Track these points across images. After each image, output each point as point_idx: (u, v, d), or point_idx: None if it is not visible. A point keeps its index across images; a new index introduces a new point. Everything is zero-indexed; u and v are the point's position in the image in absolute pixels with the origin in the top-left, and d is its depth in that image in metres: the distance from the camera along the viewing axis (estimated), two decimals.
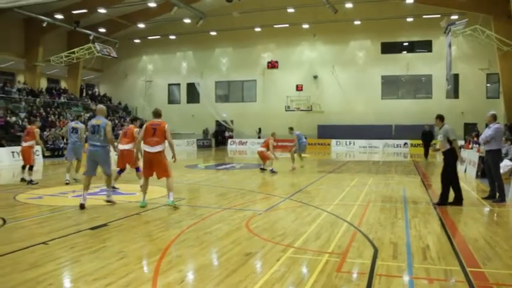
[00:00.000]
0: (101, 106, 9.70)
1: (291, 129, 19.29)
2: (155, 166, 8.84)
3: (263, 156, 16.74)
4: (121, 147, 11.34)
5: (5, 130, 24.63)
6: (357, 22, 33.42)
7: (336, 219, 7.96)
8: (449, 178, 9.21)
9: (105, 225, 7.45)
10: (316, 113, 35.78)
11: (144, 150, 8.83)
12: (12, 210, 8.66)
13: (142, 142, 8.94)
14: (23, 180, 13.53)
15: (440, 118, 9.54)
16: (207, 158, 26.98)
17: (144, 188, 9.12)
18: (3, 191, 11.95)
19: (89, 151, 9.11)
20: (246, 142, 36.69)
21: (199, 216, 8.11)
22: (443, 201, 9.22)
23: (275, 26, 35.03)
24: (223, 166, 19.83)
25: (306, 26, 34.58)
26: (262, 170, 16.80)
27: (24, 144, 13.33)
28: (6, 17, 30.47)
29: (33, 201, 10.12)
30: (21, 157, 13.91)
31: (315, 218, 8.01)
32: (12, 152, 20.54)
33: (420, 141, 25.58)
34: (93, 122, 9.15)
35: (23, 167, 13.64)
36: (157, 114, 9.30)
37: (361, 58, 35.59)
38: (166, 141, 8.86)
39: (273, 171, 16.22)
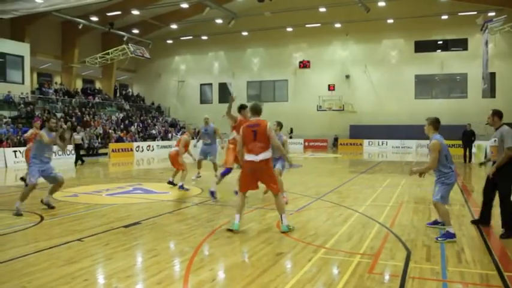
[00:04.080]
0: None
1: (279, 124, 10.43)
2: (260, 178, 7.07)
3: (174, 161, 12.19)
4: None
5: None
6: (390, 20, 32.95)
7: (368, 220, 7.87)
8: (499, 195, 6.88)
9: (137, 223, 7.57)
10: (348, 112, 35.46)
11: (246, 160, 6.95)
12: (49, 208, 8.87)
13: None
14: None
15: (497, 115, 7.02)
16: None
17: (241, 206, 7.07)
18: (41, 189, 12.27)
19: None
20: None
21: (231, 216, 8.14)
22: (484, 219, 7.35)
23: (307, 26, 34.90)
24: None
25: (338, 25, 34.34)
26: (171, 183, 12.23)
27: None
28: (45, 20, 31.38)
29: (69, 199, 10.37)
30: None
31: (347, 219, 7.94)
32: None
33: (457, 142, 24.72)
34: None
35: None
36: (255, 110, 7.08)
37: (394, 57, 35.09)
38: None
39: (183, 188, 11.28)
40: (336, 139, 35.47)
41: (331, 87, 35.72)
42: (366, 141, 34.21)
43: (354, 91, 35.76)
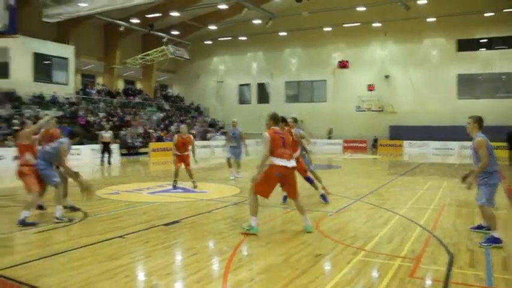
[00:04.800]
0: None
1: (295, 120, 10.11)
2: (288, 184, 7.18)
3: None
4: None
5: (85, 129, 25.97)
6: (431, 19, 32.13)
7: (408, 222, 7.71)
8: None
9: (177, 222, 7.67)
10: (387, 113, 34.88)
11: (280, 165, 6.82)
12: (92, 205, 9.12)
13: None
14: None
15: None
16: None
17: (256, 208, 6.97)
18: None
19: None
20: (316, 143, 36.40)
21: (269, 216, 8.15)
22: None
23: (345, 25, 34.49)
24: None
25: (376, 24, 33.78)
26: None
27: None
28: (88, 23, 32.32)
29: (111, 196, 10.62)
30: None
31: (387, 221, 7.81)
32: (92, 150, 21.64)
33: (502, 143, 23.84)
34: None
35: None
36: (276, 120, 7.23)
37: (435, 56, 34.25)
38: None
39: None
40: (375, 140, 34.95)
41: (370, 88, 35.22)
42: (406, 142, 33.52)
43: (393, 91, 35.13)
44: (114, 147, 23.12)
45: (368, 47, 36.38)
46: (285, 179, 6.99)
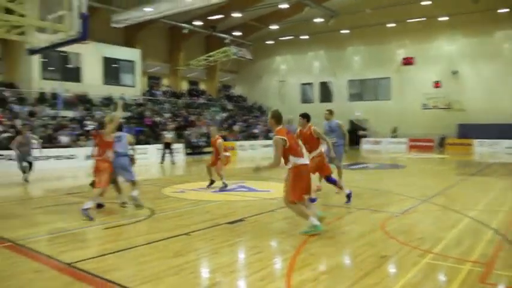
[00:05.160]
0: None
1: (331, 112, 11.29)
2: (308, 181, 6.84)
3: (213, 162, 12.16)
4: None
5: (151, 129, 26.81)
6: (502, 10, 30.47)
7: (479, 225, 7.36)
8: None
9: (241, 220, 7.75)
10: (456, 111, 33.47)
11: (304, 164, 6.69)
12: (159, 203, 9.40)
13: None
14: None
15: None
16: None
17: (305, 210, 6.73)
18: (152, 185, 13.07)
19: None
20: (381, 141, 35.65)
21: (333, 216, 8.06)
22: None
23: (409, 21, 33.45)
24: (357, 166, 19.48)
25: (443, 18, 32.47)
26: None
27: None
28: (153, 27, 33.40)
29: (177, 195, 10.91)
30: None
31: (456, 223, 7.49)
32: (158, 149, 22.30)
33: None
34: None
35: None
36: (279, 118, 6.78)
37: (508, 49, 32.45)
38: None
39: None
40: (442, 139, 33.64)
41: (437, 84, 33.95)
42: (475, 141, 32.02)
43: (462, 88, 33.64)
44: (179, 146, 23.76)
45: (434, 42, 35.04)
46: (309, 177, 6.81)
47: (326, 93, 40.15)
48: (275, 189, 11.66)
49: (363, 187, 12.06)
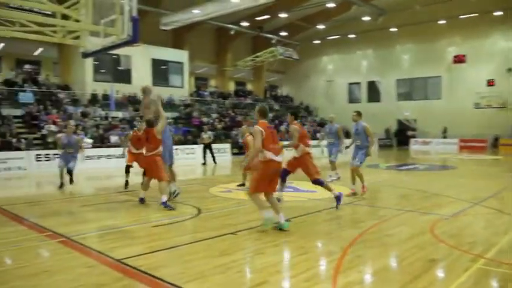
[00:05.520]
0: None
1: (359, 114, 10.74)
2: (275, 179, 7.24)
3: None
4: None
5: (199, 129, 27.17)
6: None
7: None
8: None
9: (287, 220, 7.71)
10: (510, 110, 32.15)
11: (276, 161, 6.95)
12: (206, 202, 9.52)
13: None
14: None
15: None
16: (388, 158, 26.23)
17: (262, 202, 7.11)
18: (199, 184, 13.26)
19: None
20: (430, 142, 34.70)
21: (381, 218, 7.92)
22: None
23: (461, 17, 32.40)
24: (406, 167, 19.02)
25: (498, 13, 31.20)
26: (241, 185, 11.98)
27: None
28: (201, 28, 33.92)
29: (223, 194, 11.02)
30: None
31: (510, 228, 7.19)
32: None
33: None
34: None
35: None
36: (264, 113, 7.23)
37: None
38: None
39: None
40: (496, 139, 32.38)
41: (490, 83, 32.71)
42: None
43: None
44: (225, 146, 24.00)
45: (487, 39, 33.74)
46: (277, 174, 7.12)
47: (374, 93, 39.50)
48: (322, 189, 11.56)
49: (411, 188, 11.79)
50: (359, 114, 10.50)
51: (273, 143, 6.93)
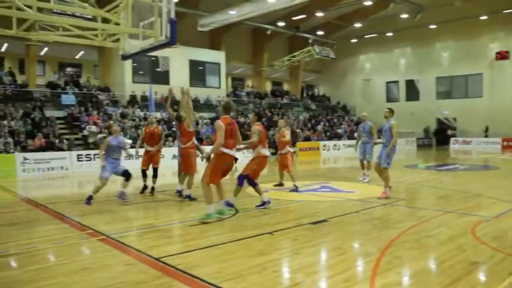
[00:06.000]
0: None
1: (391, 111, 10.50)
2: (227, 173, 8.09)
3: (283, 164, 12.07)
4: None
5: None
6: None
7: None
8: None
9: (324, 220, 7.69)
10: None
11: (230, 155, 7.76)
12: (243, 201, 9.56)
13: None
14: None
15: None
16: (427, 157, 25.71)
17: (211, 195, 7.65)
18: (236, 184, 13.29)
19: None
20: (471, 141, 33.77)
21: (420, 218, 7.78)
22: None
23: (504, 12, 31.36)
24: (445, 167, 18.59)
25: None
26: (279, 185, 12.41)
27: None
28: (237, 29, 34.09)
29: None
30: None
31: None
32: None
33: None
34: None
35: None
36: (227, 109, 8.13)
37: None
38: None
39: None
40: None
41: None
42: None
43: None
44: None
45: None
46: (229, 168, 7.95)
47: (412, 92, 38.76)
48: (360, 189, 11.46)
49: (450, 189, 11.53)
50: (391, 111, 10.19)
51: (230, 138, 7.64)
